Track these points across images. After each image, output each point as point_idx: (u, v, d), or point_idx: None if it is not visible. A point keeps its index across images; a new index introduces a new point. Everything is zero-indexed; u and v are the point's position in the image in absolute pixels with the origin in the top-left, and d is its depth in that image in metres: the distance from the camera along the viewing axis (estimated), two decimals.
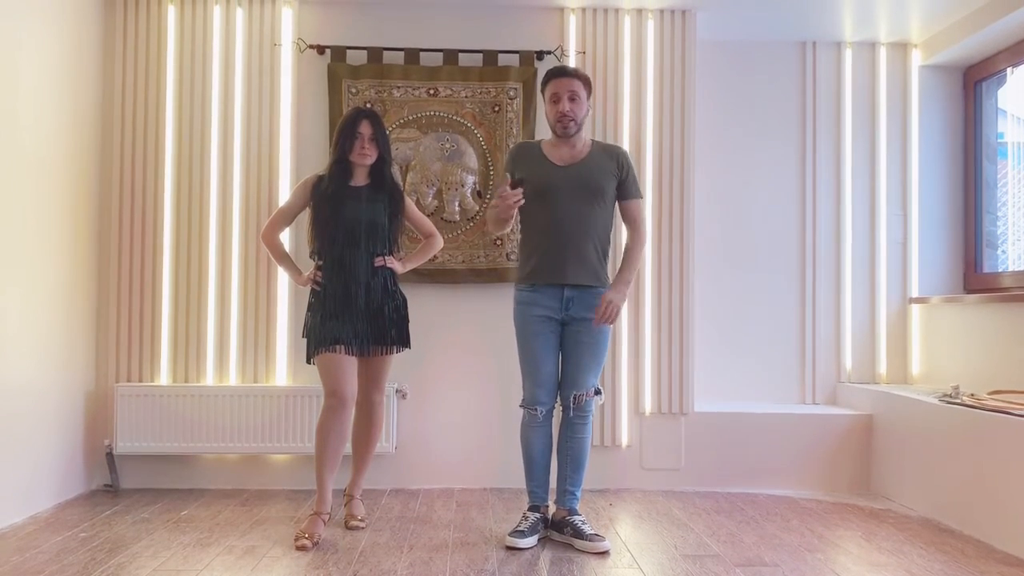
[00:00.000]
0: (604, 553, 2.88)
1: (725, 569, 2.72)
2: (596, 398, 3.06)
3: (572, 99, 2.99)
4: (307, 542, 2.91)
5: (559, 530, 3.02)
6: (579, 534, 2.95)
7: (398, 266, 3.23)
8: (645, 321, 3.94)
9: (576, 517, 3.02)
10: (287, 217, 3.25)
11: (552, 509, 3.11)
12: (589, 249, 3.00)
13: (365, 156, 3.14)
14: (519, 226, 3.14)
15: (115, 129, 3.84)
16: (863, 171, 4.26)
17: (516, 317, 3.05)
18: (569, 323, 3.01)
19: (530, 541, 2.95)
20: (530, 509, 3.06)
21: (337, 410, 3.05)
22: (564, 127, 3.00)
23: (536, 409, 3.01)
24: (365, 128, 3.13)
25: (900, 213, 4.25)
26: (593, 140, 3.12)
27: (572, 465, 3.07)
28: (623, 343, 3.92)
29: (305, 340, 3.15)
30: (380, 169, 3.19)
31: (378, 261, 3.15)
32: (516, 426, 3.13)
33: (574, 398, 3.01)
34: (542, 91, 3.09)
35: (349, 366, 3.09)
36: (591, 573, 2.69)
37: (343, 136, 3.15)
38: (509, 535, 2.96)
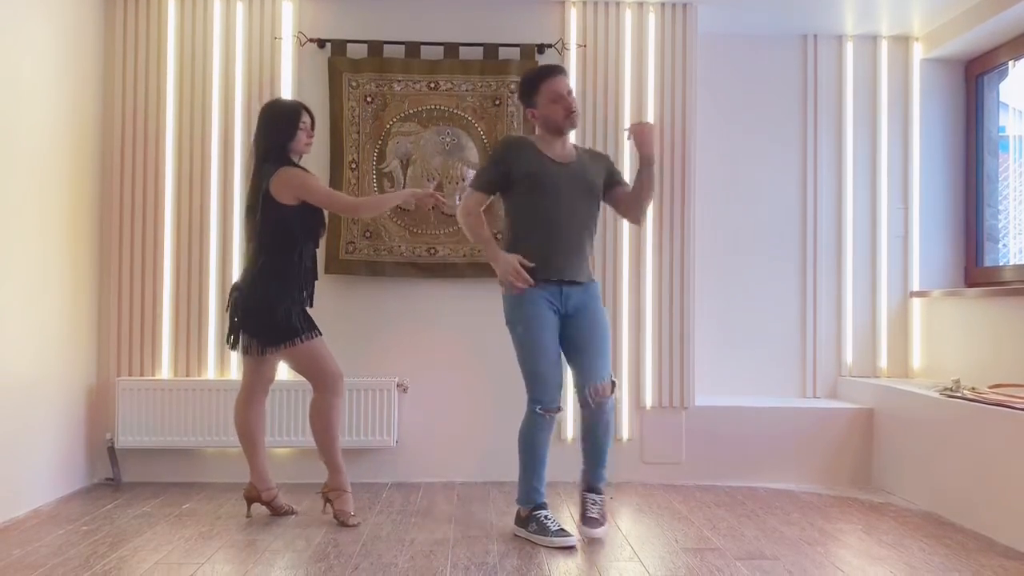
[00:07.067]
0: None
1: (726, 562, 2.73)
2: (614, 394, 3.00)
3: (570, 93, 3.05)
4: (356, 518, 3.12)
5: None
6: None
7: None
8: (646, 315, 3.93)
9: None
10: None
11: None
12: (587, 246, 3.05)
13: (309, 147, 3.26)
14: (503, 219, 3.09)
15: (116, 123, 3.84)
16: (864, 165, 4.25)
17: (519, 313, 2.97)
18: (572, 316, 3.00)
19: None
20: (540, 508, 2.98)
21: (343, 394, 3.19)
22: (573, 122, 3.04)
23: (557, 410, 2.99)
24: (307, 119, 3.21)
25: (901, 207, 4.25)
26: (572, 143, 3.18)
27: (602, 456, 3.05)
28: (624, 337, 3.92)
29: (282, 318, 3.08)
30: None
31: None
32: (517, 419, 3.05)
33: (596, 389, 2.93)
34: (531, 93, 3.03)
35: None
36: (592, 565, 2.70)
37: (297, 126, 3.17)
38: (557, 536, 2.87)
